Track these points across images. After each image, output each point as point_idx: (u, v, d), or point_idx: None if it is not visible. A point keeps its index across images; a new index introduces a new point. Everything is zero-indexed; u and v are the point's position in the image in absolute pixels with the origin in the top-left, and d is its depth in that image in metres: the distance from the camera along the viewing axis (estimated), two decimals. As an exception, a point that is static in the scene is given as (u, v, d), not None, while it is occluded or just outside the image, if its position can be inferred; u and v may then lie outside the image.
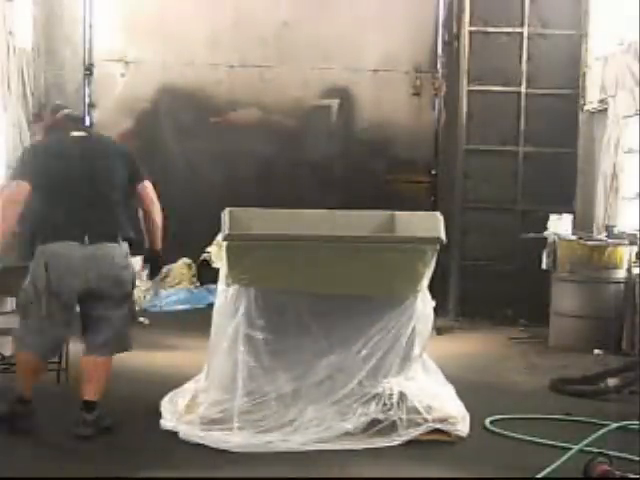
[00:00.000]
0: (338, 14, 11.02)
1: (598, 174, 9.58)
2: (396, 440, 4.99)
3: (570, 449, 4.67)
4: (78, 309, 5.11)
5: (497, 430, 5.35)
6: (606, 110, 9.58)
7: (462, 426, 5.20)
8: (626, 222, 9.06)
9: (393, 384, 5.20)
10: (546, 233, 9.08)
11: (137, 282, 10.15)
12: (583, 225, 9.71)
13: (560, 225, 9.14)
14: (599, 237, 8.87)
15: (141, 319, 9.22)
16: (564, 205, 9.94)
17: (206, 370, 5.44)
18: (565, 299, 8.63)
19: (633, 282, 8.26)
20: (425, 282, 5.27)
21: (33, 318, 4.97)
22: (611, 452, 4.61)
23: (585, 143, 10.41)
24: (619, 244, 8.47)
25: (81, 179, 5.03)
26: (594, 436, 4.75)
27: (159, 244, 5.38)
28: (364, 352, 5.17)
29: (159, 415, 5.27)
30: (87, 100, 10.99)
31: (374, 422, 5.08)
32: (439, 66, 11.18)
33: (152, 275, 6.15)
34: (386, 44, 11.12)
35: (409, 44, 11.25)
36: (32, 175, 4.99)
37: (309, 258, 5.11)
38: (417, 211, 6.54)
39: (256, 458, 4.73)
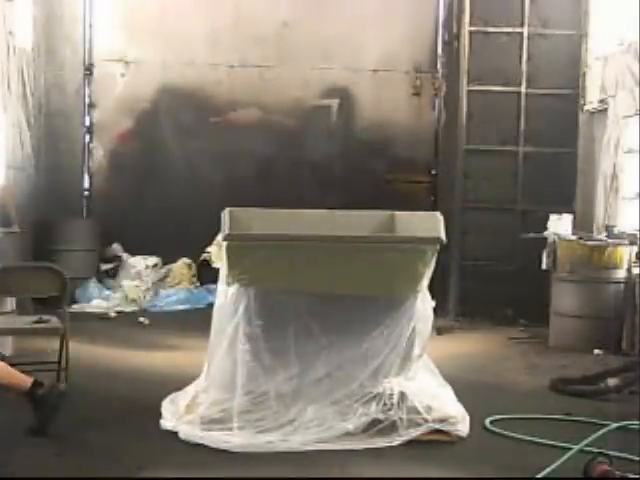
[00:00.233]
0: (338, 14, 11.03)
1: (598, 174, 9.58)
2: (396, 440, 4.99)
3: (570, 449, 4.67)
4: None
5: (497, 430, 5.35)
6: (606, 110, 9.58)
7: (462, 426, 5.20)
8: (626, 222, 9.06)
9: (393, 384, 5.20)
10: (546, 233, 9.08)
11: (137, 282, 10.35)
12: (583, 225, 9.71)
13: (560, 225, 9.14)
14: (599, 237, 8.86)
15: (141, 319, 9.24)
16: (564, 205, 9.94)
17: (206, 370, 5.44)
18: (565, 299, 8.63)
19: (633, 282, 8.26)
20: (425, 282, 5.26)
21: None
22: (611, 452, 4.61)
23: (585, 143, 10.41)
24: (619, 244, 8.47)
25: None
26: (594, 436, 4.75)
27: None
28: (364, 352, 5.17)
29: (159, 415, 5.27)
30: (87, 100, 11.00)
31: (374, 422, 5.08)
32: (439, 66, 11.19)
33: None
34: (386, 44, 11.13)
35: (409, 44, 11.26)
36: None
37: (309, 258, 5.10)
38: (417, 211, 6.54)
39: (256, 458, 4.73)
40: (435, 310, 5.45)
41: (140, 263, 10.55)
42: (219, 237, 5.35)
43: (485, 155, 10.63)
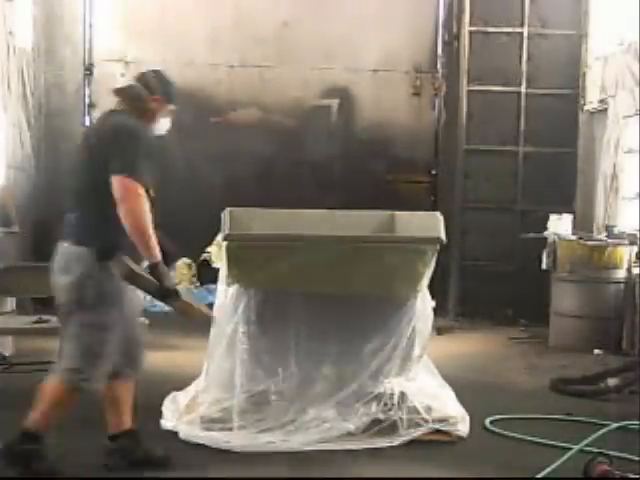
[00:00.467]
0: (338, 14, 11.03)
1: (598, 174, 9.59)
2: (397, 440, 4.99)
3: (570, 449, 4.67)
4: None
5: (497, 430, 5.35)
6: (606, 110, 9.59)
7: (462, 426, 5.20)
8: (626, 222, 9.06)
9: (394, 384, 5.20)
10: (546, 233, 9.08)
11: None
12: (583, 225, 9.71)
13: (560, 225, 9.14)
14: (599, 237, 8.87)
15: (141, 319, 9.23)
16: (564, 205, 9.95)
17: (206, 369, 5.44)
18: (565, 299, 8.63)
19: (633, 282, 8.27)
20: (425, 282, 5.26)
21: None
22: (611, 452, 4.61)
23: (585, 143, 10.41)
24: (619, 244, 8.47)
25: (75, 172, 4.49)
26: (594, 436, 4.75)
27: (145, 255, 4.22)
28: (364, 352, 5.17)
29: (159, 415, 5.27)
30: (87, 100, 10.99)
31: (375, 422, 5.08)
32: (439, 66, 11.19)
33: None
34: (386, 44, 11.12)
35: (409, 44, 11.25)
36: None
37: (309, 258, 5.10)
38: (417, 211, 6.54)
39: (256, 458, 4.73)
40: (435, 310, 5.45)
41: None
42: (219, 237, 5.35)
43: (485, 155, 10.64)
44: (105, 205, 4.16)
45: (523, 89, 10.56)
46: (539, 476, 4.38)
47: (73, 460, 4.54)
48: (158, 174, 4.39)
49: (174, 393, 5.58)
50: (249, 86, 11.13)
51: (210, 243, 5.85)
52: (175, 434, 5.01)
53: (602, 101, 9.80)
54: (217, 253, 5.52)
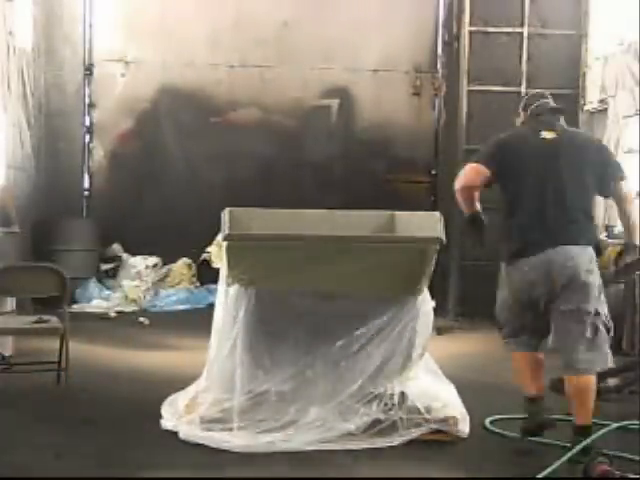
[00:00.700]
0: (338, 14, 11.04)
1: (598, 174, 9.57)
2: (397, 440, 4.99)
3: (570, 449, 4.66)
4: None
5: (497, 430, 5.35)
6: (606, 110, 9.59)
7: (462, 426, 5.20)
8: (626, 222, 9.04)
9: (394, 384, 5.20)
10: (546, 233, 9.06)
11: (137, 282, 10.35)
12: (583, 225, 9.69)
13: (560, 225, 9.12)
14: (599, 237, 8.85)
15: (141, 319, 9.24)
16: (564, 205, 9.93)
17: (206, 370, 5.44)
18: (565, 299, 8.60)
19: (633, 282, 8.26)
20: (425, 282, 5.26)
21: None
22: (611, 452, 4.61)
23: (585, 143, 10.40)
24: (619, 244, 8.46)
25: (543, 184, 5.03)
26: (594, 436, 4.74)
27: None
28: (365, 352, 5.17)
29: (159, 415, 5.27)
30: (87, 100, 11.02)
31: (375, 422, 5.08)
32: (439, 66, 11.20)
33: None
34: (386, 44, 11.13)
35: (409, 44, 11.26)
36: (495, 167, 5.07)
37: (309, 258, 5.10)
38: (417, 211, 6.53)
39: (256, 458, 4.73)
40: (435, 310, 5.45)
41: (140, 263, 10.55)
42: (219, 237, 5.34)
43: (485, 155, 10.62)
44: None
45: (523, 89, 10.53)
46: (539, 476, 4.38)
47: (73, 460, 4.54)
48: None
49: (173, 394, 5.57)
50: (249, 86, 11.15)
51: (210, 243, 5.85)
52: (175, 434, 5.01)
53: (602, 101, 9.80)
54: (217, 253, 5.52)
